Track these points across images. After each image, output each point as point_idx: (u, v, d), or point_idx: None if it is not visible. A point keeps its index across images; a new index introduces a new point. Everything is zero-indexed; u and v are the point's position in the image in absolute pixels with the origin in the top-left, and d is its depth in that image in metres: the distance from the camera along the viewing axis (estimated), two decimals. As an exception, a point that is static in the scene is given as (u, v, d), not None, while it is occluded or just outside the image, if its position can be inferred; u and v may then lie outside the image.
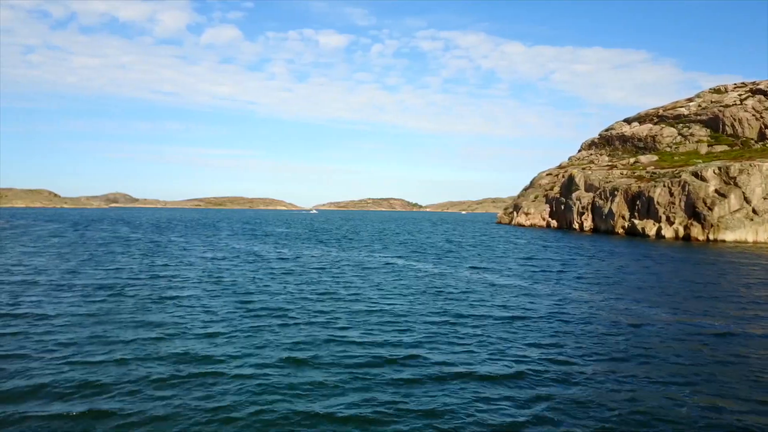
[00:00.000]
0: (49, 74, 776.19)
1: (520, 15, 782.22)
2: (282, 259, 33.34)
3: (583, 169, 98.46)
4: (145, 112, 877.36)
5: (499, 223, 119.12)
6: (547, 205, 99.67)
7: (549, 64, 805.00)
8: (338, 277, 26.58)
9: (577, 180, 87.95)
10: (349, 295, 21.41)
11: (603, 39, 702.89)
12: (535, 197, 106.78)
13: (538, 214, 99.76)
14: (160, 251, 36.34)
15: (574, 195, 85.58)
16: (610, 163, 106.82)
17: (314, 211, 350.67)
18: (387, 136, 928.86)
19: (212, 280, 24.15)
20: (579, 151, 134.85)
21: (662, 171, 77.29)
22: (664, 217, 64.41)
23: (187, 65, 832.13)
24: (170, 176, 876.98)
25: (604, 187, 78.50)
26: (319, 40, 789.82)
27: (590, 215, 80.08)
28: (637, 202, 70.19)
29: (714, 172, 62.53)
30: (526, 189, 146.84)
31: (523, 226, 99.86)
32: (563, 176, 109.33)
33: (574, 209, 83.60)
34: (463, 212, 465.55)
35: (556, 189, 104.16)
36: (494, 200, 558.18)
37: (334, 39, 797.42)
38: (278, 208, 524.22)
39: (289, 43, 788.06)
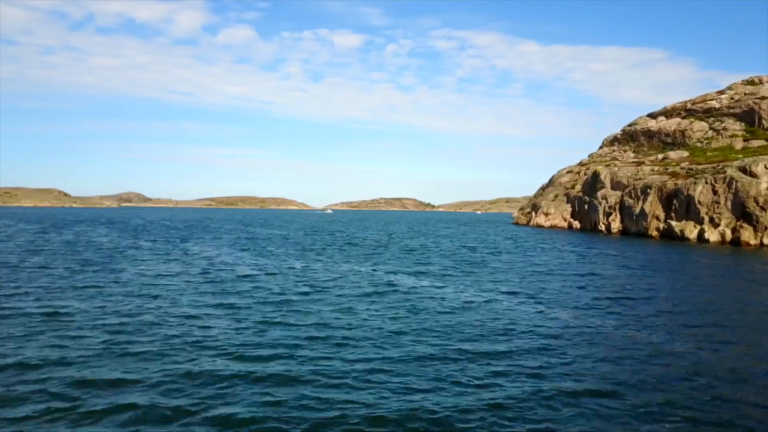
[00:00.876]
0: (68, 75, 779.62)
1: (536, 14, 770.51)
2: (244, 277, 25.12)
3: (608, 165, 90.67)
4: (161, 112, 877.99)
5: (516, 223, 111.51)
6: (569, 205, 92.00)
7: (565, 63, 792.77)
8: (305, 318, 16.72)
9: (602, 177, 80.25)
10: (304, 374, 11.44)
11: (620, 38, 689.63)
12: (555, 196, 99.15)
13: (558, 215, 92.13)
14: (100, 262, 29.55)
15: (599, 194, 77.91)
16: (635, 160, 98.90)
17: (329, 211, 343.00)
18: (401, 136, 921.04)
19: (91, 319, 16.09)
20: (600, 147, 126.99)
21: (700, 167, 69.44)
22: (707, 219, 56.66)
23: (203, 65, 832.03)
24: (184, 176, 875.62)
25: (633, 185, 70.73)
26: (333, 40, 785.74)
27: (618, 216, 72.38)
28: (674, 202, 62.44)
29: (766, 167, 54.67)
30: (544, 187, 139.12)
31: (543, 227, 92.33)
32: (585, 173, 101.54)
33: (600, 209, 75.94)
34: (478, 212, 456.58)
35: (578, 187, 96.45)
36: (508, 200, 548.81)
37: (348, 39, 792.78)
38: (290, 207, 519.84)
39: (304, 43, 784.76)
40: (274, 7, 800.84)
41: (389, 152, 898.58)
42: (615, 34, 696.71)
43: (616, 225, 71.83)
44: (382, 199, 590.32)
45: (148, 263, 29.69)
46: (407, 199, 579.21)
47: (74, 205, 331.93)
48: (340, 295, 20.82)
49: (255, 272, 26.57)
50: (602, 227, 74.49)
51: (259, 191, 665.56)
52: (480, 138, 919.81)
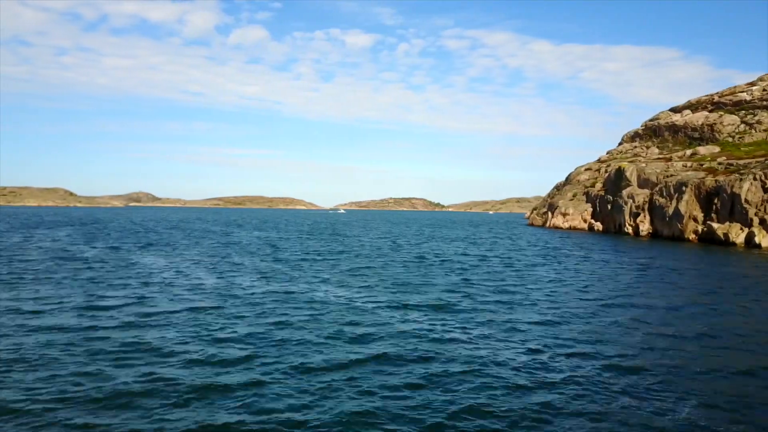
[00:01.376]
0: (82, 75, 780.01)
1: (548, 12, 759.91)
2: (196, 309, 17.15)
3: (631, 161, 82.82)
4: (173, 112, 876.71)
5: (531, 225, 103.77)
6: (589, 204, 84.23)
7: (577, 62, 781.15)
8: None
9: (627, 174, 72.47)
10: None
11: (633, 36, 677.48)
12: (574, 195, 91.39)
13: (578, 215, 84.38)
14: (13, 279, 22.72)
15: (624, 192, 70.16)
16: (661, 156, 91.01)
17: (341, 211, 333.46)
18: (412, 136, 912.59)
19: None
20: (620, 144, 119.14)
21: (741, 162, 61.56)
22: (756, 220, 48.86)
23: (215, 66, 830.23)
24: (193, 176, 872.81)
25: (666, 182, 62.90)
26: (345, 39, 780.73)
27: (647, 216, 64.58)
28: (715, 201, 54.61)
29: (827, 159, 46.88)
30: (560, 186, 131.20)
31: (560, 228, 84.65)
32: (606, 170, 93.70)
33: (626, 209, 68.20)
34: (490, 212, 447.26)
35: (598, 185, 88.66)
36: (519, 200, 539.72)
37: (360, 39, 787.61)
38: (297, 207, 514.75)
39: (315, 43, 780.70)
40: (286, 8, 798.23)
41: (399, 152, 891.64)
42: (628, 33, 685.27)
43: (645, 227, 64.03)
44: (391, 198, 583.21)
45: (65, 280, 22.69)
46: (417, 199, 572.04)
47: (78, 205, 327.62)
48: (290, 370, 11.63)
49: (175, 308, 19.04)
50: (628, 229, 66.73)
51: (267, 191, 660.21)
52: (492, 138, 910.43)
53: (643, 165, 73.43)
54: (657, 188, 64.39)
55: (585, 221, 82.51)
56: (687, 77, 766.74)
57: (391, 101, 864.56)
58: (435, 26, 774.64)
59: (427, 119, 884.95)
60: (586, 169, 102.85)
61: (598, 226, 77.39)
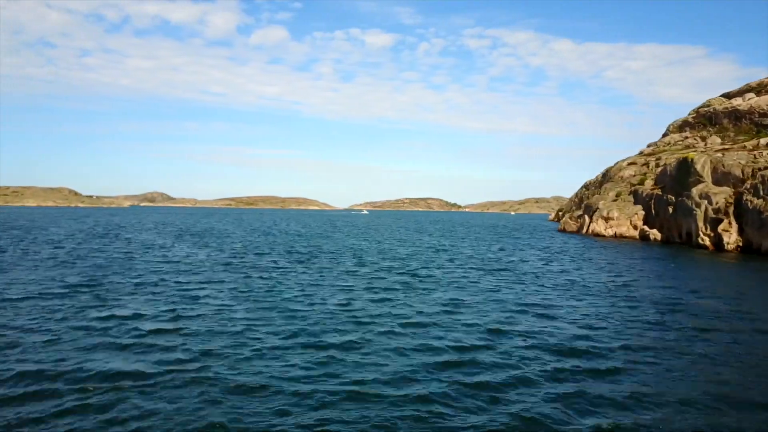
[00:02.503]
0: (105, 77, 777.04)
1: (571, 11, 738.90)
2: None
3: (703, 151, 65.74)
4: (193, 112, 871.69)
5: (563, 230, 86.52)
6: (639, 207, 67.17)
7: (600, 61, 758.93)
8: None
9: (697, 167, 55.38)
10: None
11: (658, 34, 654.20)
12: (617, 195, 74.28)
13: (625, 220, 67.33)
14: None
15: (694, 191, 53.17)
16: (724, 147, 73.71)
17: (365, 212, 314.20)
18: (430, 136, 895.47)
19: None
20: (664, 135, 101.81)
21: None
22: None
23: (236, 66, 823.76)
24: (209, 176, 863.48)
25: (762, 176, 45.85)
26: (365, 39, 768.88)
27: (734, 223, 47.54)
28: None
29: None
30: (590, 185, 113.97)
31: (602, 236, 67.72)
32: (657, 164, 76.54)
33: (698, 213, 51.26)
34: (512, 213, 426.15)
35: (649, 183, 71.58)
36: (537, 200, 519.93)
37: (380, 38, 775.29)
38: (310, 208, 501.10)
39: (335, 42, 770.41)
40: (306, 8, 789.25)
41: (417, 152, 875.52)
42: (652, 31, 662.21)
43: (731, 238, 46.86)
44: (406, 199, 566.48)
45: None
46: (432, 199, 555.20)
47: (80, 205, 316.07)
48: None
49: None
50: (704, 240, 49.72)
51: (281, 191, 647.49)
52: (512, 137, 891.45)
53: (720, 155, 56.28)
54: (747, 185, 47.35)
55: (635, 227, 65.47)
56: (712, 75, 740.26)
57: (411, 101, 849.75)
58: (455, 25, 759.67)
59: (447, 119, 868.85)
60: (630, 164, 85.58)
61: (655, 234, 60.39)
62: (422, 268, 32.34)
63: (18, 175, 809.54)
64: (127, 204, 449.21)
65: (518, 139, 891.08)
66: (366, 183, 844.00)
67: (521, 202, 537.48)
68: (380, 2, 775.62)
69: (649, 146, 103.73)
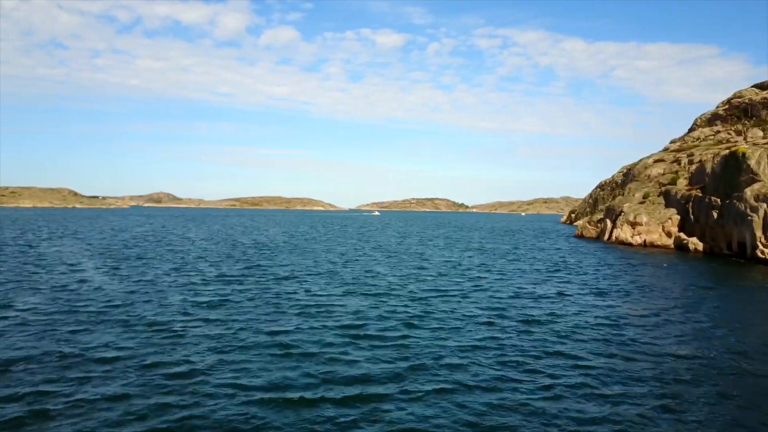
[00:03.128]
0: (114, 77, 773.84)
1: (582, 9, 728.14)
2: None
3: (755, 144, 56.10)
4: (201, 112, 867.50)
5: (580, 236, 76.66)
6: (673, 210, 57.56)
7: (610, 60, 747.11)
8: None
9: (751, 163, 45.68)
10: None
11: (669, 33, 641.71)
12: (645, 197, 64.62)
13: (656, 226, 57.67)
14: None
15: (749, 191, 43.55)
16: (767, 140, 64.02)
17: (376, 213, 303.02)
18: (438, 136, 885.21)
19: None
20: (691, 129, 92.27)
21: None
22: None
23: (245, 66, 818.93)
24: (216, 176, 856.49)
25: (844, 174, 36.32)
26: (375, 39, 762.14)
27: (805, 234, 38.04)
28: None
29: None
30: (613, 184, 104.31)
31: (629, 244, 58.16)
32: (690, 161, 66.83)
33: (755, 219, 41.70)
34: (522, 213, 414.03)
35: (683, 182, 61.95)
36: (546, 200, 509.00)
37: (390, 38, 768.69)
38: (315, 208, 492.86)
39: (345, 43, 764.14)
40: (318, 8, 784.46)
41: (424, 152, 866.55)
42: (664, 30, 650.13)
43: (803, 252, 37.29)
44: (413, 199, 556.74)
45: None
46: (439, 199, 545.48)
47: (78, 206, 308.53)
48: None
49: None
50: (764, 253, 40.16)
51: (285, 191, 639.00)
52: (521, 137, 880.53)
53: (777, 149, 46.52)
54: (822, 185, 37.76)
55: (669, 235, 55.77)
56: (724, 75, 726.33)
57: (419, 101, 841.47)
58: (466, 25, 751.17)
59: (455, 119, 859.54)
60: (656, 161, 75.77)
61: (695, 243, 50.71)
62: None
63: (22, 175, 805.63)
64: (131, 204, 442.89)
65: (526, 139, 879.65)
66: (373, 183, 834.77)
67: (530, 203, 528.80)
68: (392, 2, 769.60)
69: (673, 142, 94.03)
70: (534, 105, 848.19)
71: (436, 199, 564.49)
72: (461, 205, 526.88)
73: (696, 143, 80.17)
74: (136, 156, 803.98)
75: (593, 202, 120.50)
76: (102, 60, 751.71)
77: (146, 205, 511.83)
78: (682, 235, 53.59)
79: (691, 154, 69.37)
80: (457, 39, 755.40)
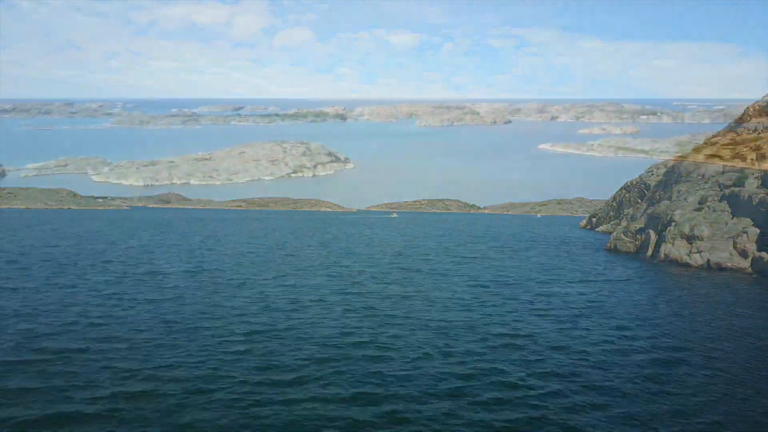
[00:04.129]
0: (129, 78, 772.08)
1: (600, 8, 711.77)
2: None
3: None
4: (212, 113, 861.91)
5: (613, 250, 62.10)
6: (748, 220, 43.48)
7: (628, 59, 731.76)
8: None
9: None
10: None
11: (689, 32, 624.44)
12: (702, 201, 50.50)
13: (725, 241, 43.62)
14: None
15: None
16: None
17: (394, 215, 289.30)
18: (450, 135, 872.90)
19: None
20: (741, 120, 77.41)
21: None
22: None
23: (259, 68, 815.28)
24: (225, 176, 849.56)
25: None
26: (390, 40, 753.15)
27: None
28: None
29: None
30: (630, 187, 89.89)
31: (685, 264, 44.17)
32: (760, 155, 52.37)
33: None
34: (538, 215, 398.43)
35: (754, 183, 47.68)
36: (559, 201, 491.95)
37: (405, 38, 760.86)
38: (322, 209, 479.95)
39: (359, 43, 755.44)
40: (332, 9, 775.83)
41: (435, 151, 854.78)
42: (684, 29, 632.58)
43: None
44: (424, 200, 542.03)
45: None
46: (450, 200, 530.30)
47: (73, 207, 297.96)
48: None
49: None
50: None
51: (294, 193, 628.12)
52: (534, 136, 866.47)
53: None
54: None
55: (745, 254, 41.63)
56: (743, 74, 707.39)
57: (432, 100, 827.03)
58: (482, 24, 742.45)
59: (468, 118, 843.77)
60: (710, 156, 61.28)
61: (788, 267, 36.57)
62: None
63: (23, 176, 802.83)
64: (138, 205, 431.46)
65: (540, 137, 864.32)
66: (384, 184, 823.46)
67: (543, 204, 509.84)
68: (408, 2, 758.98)
69: (724, 132, 79.38)
70: (549, 105, 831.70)
71: (447, 200, 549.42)
72: (473, 206, 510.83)
73: (756, 135, 65.71)
74: (146, 156, 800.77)
75: (617, 205, 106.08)
76: (116, 62, 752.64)
77: (151, 205, 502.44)
78: (765, 256, 39.41)
79: (759, 147, 54.97)
80: (472, 38, 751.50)
